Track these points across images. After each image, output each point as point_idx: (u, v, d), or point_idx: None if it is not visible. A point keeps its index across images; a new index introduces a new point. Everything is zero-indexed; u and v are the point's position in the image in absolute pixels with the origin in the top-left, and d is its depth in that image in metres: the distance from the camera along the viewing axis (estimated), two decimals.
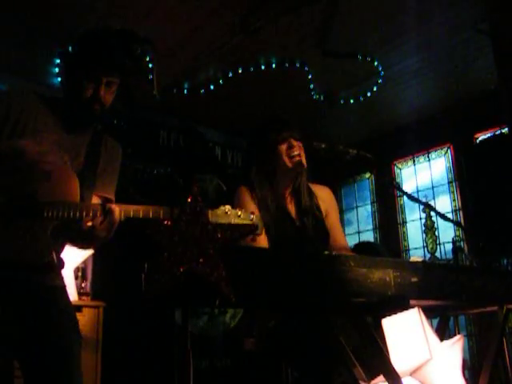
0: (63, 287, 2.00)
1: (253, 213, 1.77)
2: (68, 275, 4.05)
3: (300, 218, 2.52)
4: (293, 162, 2.47)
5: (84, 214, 1.76)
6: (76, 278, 4.47)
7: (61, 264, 2.01)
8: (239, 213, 1.74)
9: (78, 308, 3.96)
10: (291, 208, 2.56)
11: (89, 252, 4.22)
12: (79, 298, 4.32)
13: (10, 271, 1.80)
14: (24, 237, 1.78)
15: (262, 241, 2.29)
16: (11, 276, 1.81)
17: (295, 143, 2.48)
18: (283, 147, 2.47)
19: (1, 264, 1.77)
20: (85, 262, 4.59)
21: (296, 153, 2.47)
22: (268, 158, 2.50)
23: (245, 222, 1.72)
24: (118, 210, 1.79)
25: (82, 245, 2.04)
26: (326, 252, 2.07)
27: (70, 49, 2.01)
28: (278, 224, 2.40)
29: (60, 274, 2.01)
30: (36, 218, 1.75)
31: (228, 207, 1.74)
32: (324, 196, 2.65)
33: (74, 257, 4.07)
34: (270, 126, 2.57)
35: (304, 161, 2.50)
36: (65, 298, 2.00)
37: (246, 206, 2.37)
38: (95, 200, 1.95)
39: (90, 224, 1.78)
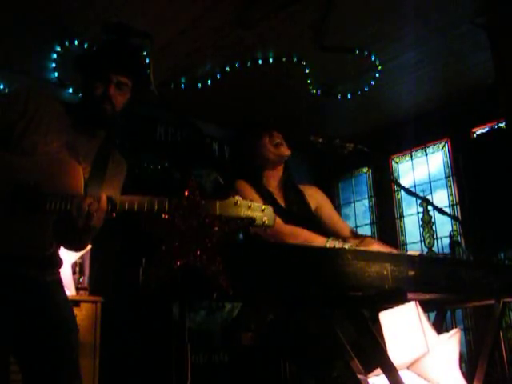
0: (60, 282, 2.01)
1: (264, 203, 1.70)
2: (66, 270, 4.05)
3: (290, 210, 2.57)
4: (277, 149, 2.61)
5: (87, 202, 1.75)
6: (74, 272, 4.47)
7: (59, 261, 2.01)
8: (249, 204, 1.65)
9: (76, 303, 3.95)
10: (280, 201, 2.62)
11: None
12: (77, 293, 4.31)
13: (10, 265, 1.80)
14: (25, 229, 1.78)
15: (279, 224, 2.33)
16: (10, 270, 1.81)
17: (276, 134, 2.62)
18: (266, 138, 2.61)
19: (1, 257, 1.77)
20: (82, 257, 4.58)
21: (278, 140, 2.61)
22: (254, 151, 2.63)
23: (256, 213, 1.64)
24: (104, 197, 1.78)
25: (76, 244, 2.03)
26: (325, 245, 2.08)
27: (85, 53, 2.05)
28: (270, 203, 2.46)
29: (58, 270, 2.02)
30: (38, 210, 1.75)
31: (238, 198, 1.64)
32: (312, 193, 2.75)
33: (71, 252, 4.06)
34: (252, 123, 2.76)
35: (287, 149, 2.63)
36: (61, 292, 2.00)
37: (252, 199, 2.41)
38: None
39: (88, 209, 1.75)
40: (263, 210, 1.65)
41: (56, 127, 1.96)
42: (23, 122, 1.90)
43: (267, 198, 2.50)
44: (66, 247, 2.02)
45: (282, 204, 2.61)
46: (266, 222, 1.63)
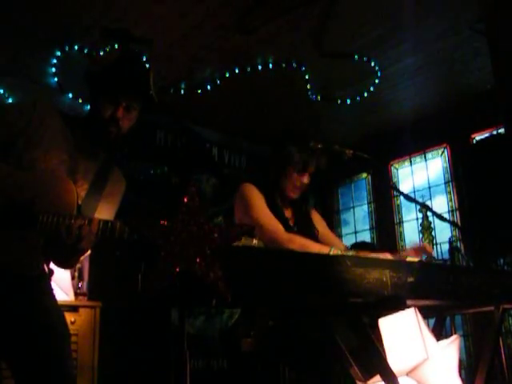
0: (49, 288, 2.00)
1: (255, 238, 1.70)
2: (65, 275, 4.04)
3: (296, 224, 2.59)
4: (294, 191, 2.57)
5: (78, 223, 1.74)
6: (73, 278, 4.46)
7: (50, 273, 2.00)
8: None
9: (75, 308, 3.94)
10: (288, 214, 2.62)
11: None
12: (76, 298, 4.30)
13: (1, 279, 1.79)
14: (16, 248, 1.77)
15: (274, 223, 2.39)
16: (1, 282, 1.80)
17: (306, 178, 2.57)
18: (295, 175, 2.55)
19: None
20: (81, 262, 4.58)
21: (300, 186, 2.57)
22: (279, 172, 2.57)
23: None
24: (96, 220, 1.78)
25: (64, 262, 2.02)
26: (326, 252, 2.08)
27: (97, 69, 2.04)
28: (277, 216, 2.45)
29: (49, 281, 2.01)
30: (30, 227, 1.74)
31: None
32: (314, 218, 2.76)
33: None
34: (298, 147, 2.59)
35: (299, 192, 2.60)
36: (50, 298, 1.99)
37: (257, 202, 2.44)
38: None
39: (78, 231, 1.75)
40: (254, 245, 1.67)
41: (57, 144, 1.95)
42: (25, 136, 1.89)
43: (274, 211, 2.48)
44: (54, 263, 2.01)
45: (290, 220, 2.61)
46: None
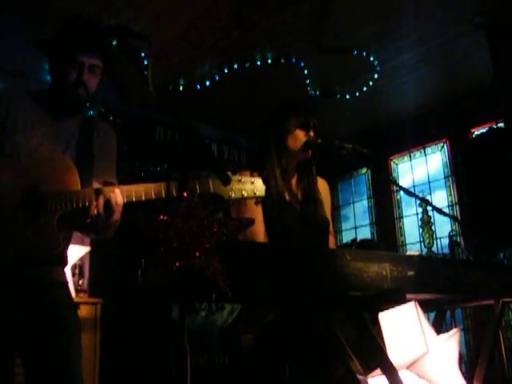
0: (65, 282, 2.01)
1: (254, 175, 1.74)
2: (65, 272, 4.05)
3: (302, 203, 2.55)
4: (303, 151, 2.52)
5: (87, 200, 1.75)
6: (73, 275, 4.47)
7: (66, 259, 2.01)
8: (239, 178, 1.70)
9: (76, 305, 3.94)
10: (296, 192, 2.58)
11: (86, 249, 4.22)
12: (76, 295, 4.31)
13: (18, 267, 1.79)
14: (29, 233, 1.77)
15: (259, 230, 2.35)
16: (17, 272, 1.81)
17: (312, 132, 2.53)
18: (301, 132, 2.52)
19: (6, 262, 1.76)
20: (82, 259, 4.58)
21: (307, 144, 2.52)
22: (283, 139, 2.54)
23: (246, 186, 1.69)
24: (118, 191, 1.77)
25: (93, 234, 2.02)
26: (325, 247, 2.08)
27: (50, 37, 2.00)
28: (279, 208, 2.43)
29: (63, 270, 2.02)
30: (40, 212, 1.75)
31: (228, 173, 1.68)
32: (321, 187, 2.69)
33: (71, 254, 4.05)
34: (294, 107, 2.65)
35: (308, 152, 2.55)
36: (66, 292, 2.01)
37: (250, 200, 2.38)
38: (97, 186, 1.90)
39: (94, 212, 1.74)
40: (253, 183, 1.72)
41: (32, 121, 1.94)
42: None
43: (281, 191, 2.45)
44: (93, 233, 2.01)
45: (296, 198, 2.55)
46: (257, 194, 1.71)
